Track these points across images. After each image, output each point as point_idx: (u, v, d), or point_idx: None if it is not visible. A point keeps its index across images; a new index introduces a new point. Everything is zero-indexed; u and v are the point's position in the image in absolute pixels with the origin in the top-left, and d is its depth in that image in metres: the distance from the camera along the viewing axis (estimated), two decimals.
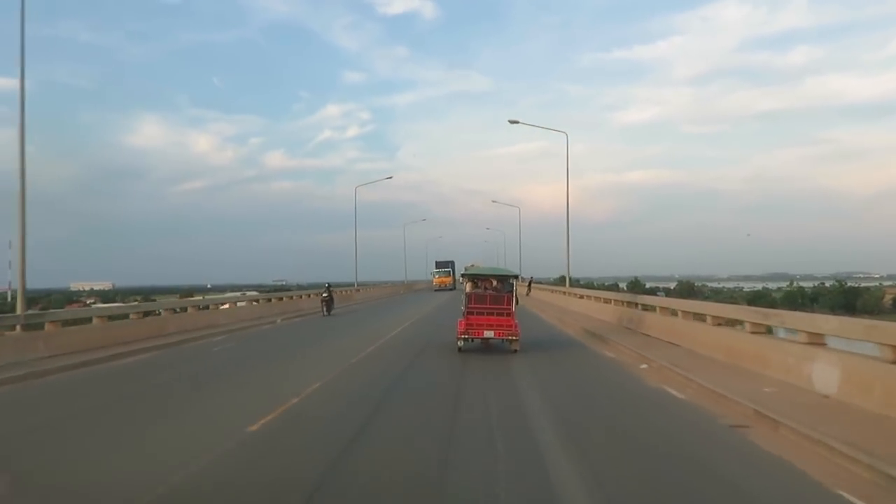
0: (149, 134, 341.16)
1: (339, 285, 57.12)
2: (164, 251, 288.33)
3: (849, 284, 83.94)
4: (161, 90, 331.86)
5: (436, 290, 70.61)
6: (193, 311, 22.63)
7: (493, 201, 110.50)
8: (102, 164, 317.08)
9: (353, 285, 50.98)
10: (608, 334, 18.50)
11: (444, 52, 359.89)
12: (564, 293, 34.38)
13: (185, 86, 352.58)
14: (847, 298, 75.60)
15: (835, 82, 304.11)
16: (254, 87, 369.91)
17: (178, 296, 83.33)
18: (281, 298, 33.26)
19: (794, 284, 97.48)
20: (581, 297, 29.83)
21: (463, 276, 16.58)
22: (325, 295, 30.69)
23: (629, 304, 21.09)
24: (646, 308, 19.27)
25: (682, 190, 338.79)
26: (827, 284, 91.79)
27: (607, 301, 24.33)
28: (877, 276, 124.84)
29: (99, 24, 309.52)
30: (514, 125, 37.19)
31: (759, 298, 76.97)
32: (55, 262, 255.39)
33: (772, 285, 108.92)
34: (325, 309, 30.02)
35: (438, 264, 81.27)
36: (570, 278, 37.48)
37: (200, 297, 38.79)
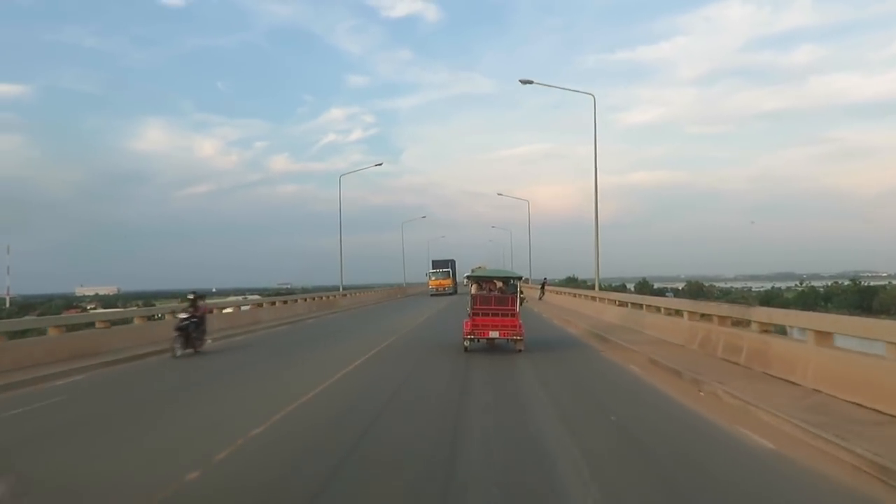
0: (153, 139, 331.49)
1: (330, 289, 48.23)
2: (169, 255, 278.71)
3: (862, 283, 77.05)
4: (165, 95, 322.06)
5: (432, 296, 55.48)
6: (57, 333, 14.13)
7: (499, 194, 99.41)
8: (108, 169, 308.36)
9: (339, 289, 42.41)
10: (704, 375, 10.05)
11: (447, 54, 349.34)
12: (594, 298, 25.41)
13: (189, 90, 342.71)
14: (862, 298, 69.20)
15: (840, 81, 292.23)
16: (258, 91, 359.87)
17: (178, 300, 75.24)
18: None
19: (805, 284, 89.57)
20: (620, 304, 21.15)
21: (467, 278, 15.97)
22: (182, 316, 14.97)
23: (721, 318, 12.58)
24: (764, 328, 10.78)
25: (686, 190, 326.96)
26: (839, 283, 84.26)
27: (670, 312, 15.84)
28: (884, 274, 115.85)
29: (103, 30, 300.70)
30: (529, 86, 28.69)
31: (771, 299, 69.62)
32: (62, 267, 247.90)
33: (780, 285, 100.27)
34: (178, 345, 14.58)
35: (436, 264, 62.82)
36: (599, 280, 27.68)
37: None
